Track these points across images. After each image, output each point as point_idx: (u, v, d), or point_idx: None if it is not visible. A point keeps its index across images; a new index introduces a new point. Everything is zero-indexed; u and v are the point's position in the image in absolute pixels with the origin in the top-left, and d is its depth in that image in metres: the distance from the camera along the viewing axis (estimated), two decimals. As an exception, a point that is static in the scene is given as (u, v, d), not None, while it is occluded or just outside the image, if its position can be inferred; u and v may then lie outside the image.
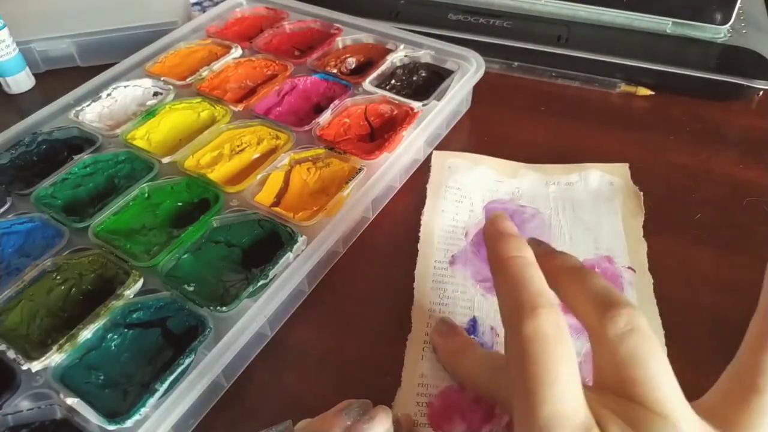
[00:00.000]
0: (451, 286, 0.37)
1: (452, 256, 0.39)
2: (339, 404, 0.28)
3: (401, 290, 0.38)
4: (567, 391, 0.21)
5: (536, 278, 0.24)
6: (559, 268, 0.26)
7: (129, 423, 0.28)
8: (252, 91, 0.49)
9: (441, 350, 0.33)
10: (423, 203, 0.43)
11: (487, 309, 0.36)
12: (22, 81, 0.55)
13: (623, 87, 0.53)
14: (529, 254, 0.25)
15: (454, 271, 0.38)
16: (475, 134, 0.48)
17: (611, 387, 0.23)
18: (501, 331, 0.35)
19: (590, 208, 0.42)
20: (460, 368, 0.32)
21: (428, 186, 0.44)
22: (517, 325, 0.22)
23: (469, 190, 0.44)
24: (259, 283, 0.33)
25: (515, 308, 0.23)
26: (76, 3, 0.60)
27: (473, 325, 0.35)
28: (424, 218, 0.42)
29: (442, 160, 0.46)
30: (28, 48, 0.56)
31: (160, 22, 0.57)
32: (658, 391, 0.22)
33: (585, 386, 0.23)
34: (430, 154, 0.47)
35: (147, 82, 0.49)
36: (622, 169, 0.45)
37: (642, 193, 0.43)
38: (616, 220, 0.41)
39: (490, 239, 0.26)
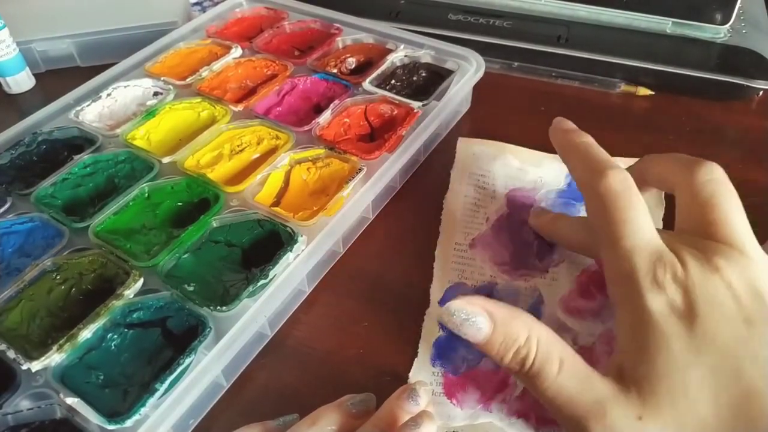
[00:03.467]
0: (469, 267, 0.39)
1: (472, 239, 0.40)
2: (341, 398, 0.29)
3: (401, 290, 0.38)
4: (639, 227, 0.26)
5: (601, 151, 0.30)
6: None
7: (129, 423, 0.28)
8: (252, 91, 0.49)
9: (540, 224, 0.39)
10: (423, 203, 0.43)
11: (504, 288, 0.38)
12: (22, 81, 0.56)
13: (623, 87, 0.53)
14: (591, 139, 0.32)
15: (473, 253, 0.40)
16: (475, 134, 0.48)
17: (691, 229, 0.28)
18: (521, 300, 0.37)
19: None
20: (559, 232, 0.38)
21: (452, 171, 0.45)
22: (591, 186, 0.28)
23: (493, 177, 0.45)
24: (259, 283, 0.33)
25: (588, 174, 0.29)
26: (76, 3, 0.60)
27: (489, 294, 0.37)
28: (447, 202, 0.43)
29: (467, 147, 0.47)
30: (28, 48, 0.56)
31: (160, 22, 0.58)
32: (732, 228, 0.27)
33: (666, 231, 0.28)
34: (442, 141, 0.47)
35: (147, 82, 0.49)
36: None
37: None
38: None
39: (558, 136, 0.34)
